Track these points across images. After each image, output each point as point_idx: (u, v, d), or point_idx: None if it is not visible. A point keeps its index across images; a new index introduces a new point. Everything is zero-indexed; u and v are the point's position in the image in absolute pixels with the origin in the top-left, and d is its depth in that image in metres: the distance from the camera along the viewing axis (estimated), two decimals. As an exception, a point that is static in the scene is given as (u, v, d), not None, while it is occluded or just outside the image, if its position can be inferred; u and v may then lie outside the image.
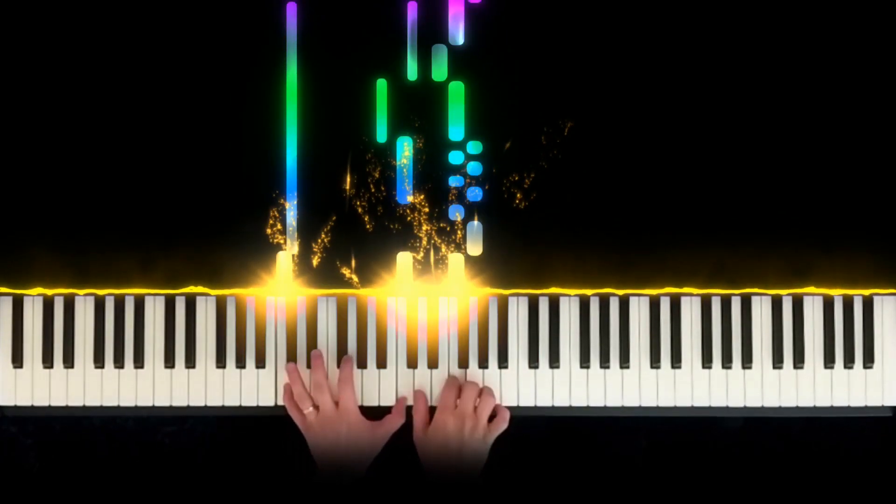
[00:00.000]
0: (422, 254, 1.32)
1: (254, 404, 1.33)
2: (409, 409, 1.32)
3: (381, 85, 1.32)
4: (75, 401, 1.33)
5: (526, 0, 1.31)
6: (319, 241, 1.32)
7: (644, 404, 1.33)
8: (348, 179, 1.31)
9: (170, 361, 1.32)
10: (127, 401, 1.33)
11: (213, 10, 1.31)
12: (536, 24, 1.31)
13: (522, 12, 1.32)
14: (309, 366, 1.31)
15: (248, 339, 1.33)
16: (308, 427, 1.28)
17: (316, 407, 1.28)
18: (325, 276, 1.32)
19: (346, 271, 1.32)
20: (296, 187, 1.31)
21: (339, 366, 1.31)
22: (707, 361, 1.32)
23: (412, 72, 1.32)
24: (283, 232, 1.31)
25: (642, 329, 1.33)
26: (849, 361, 1.33)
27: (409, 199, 1.32)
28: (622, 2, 1.31)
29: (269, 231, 1.32)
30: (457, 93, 1.32)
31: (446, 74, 1.32)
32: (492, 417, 1.30)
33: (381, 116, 1.32)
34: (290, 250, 1.32)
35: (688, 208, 1.31)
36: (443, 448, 1.26)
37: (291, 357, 1.32)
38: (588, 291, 1.32)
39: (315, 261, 1.32)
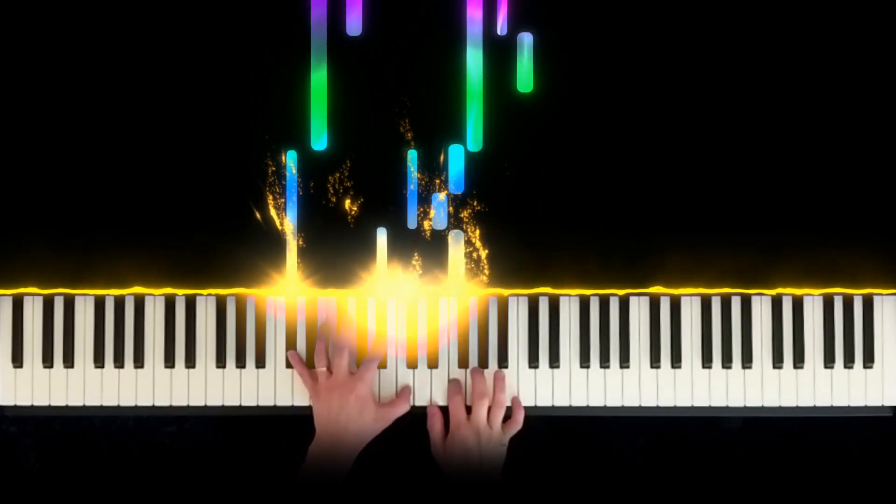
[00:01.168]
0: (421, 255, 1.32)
1: (254, 404, 1.33)
2: (414, 408, 1.32)
3: (381, 234, 1.31)
4: (75, 401, 1.33)
5: (525, 146, 1.31)
6: (321, 241, 1.32)
7: (644, 404, 1.33)
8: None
9: (170, 361, 1.32)
10: (127, 401, 1.33)
11: (212, 14, 1.32)
12: (535, 169, 1.31)
13: (522, 159, 1.31)
14: (310, 364, 1.32)
15: (248, 339, 1.33)
16: (317, 391, 1.28)
17: (330, 371, 1.29)
18: (327, 275, 1.32)
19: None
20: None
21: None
22: (707, 361, 1.32)
23: (412, 220, 1.32)
24: (283, 227, 1.32)
25: (642, 329, 1.33)
26: (849, 361, 1.33)
27: None
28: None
29: (269, 223, 1.32)
30: (457, 241, 1.32)
31: (446, 223, 1.32)
32: (507, 416, 1.31)
33: (380, 265, 1.32)
34: (291, 249, 1.32)
35: (688, 208, 1.31)
36: (463, 460, 1.27)
37: (291, 357, 1.33)
38: (588, 291, 1.32)
39: (316, 259, 1.32)
